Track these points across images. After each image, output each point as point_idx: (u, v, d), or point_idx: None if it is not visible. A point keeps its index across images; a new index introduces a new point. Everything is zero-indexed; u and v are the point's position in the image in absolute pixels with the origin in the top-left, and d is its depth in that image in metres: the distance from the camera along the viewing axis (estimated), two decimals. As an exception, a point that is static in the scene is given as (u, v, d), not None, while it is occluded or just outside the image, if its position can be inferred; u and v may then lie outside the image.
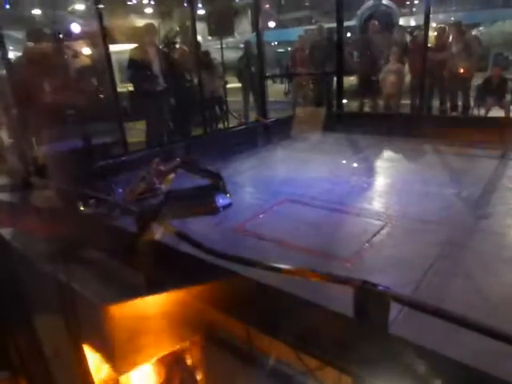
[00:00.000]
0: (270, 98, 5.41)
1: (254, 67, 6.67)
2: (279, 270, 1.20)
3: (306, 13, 23.54)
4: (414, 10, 19.98)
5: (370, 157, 3.73)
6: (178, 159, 2.64)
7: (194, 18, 4.25)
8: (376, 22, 6.28)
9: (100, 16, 3.56)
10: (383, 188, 2.81)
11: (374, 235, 2.02)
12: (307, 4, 24.71)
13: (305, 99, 7.21)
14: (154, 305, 0.97)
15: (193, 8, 4.33)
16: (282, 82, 15.59)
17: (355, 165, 3.47)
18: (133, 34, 7.12)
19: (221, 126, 6.70)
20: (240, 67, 7.76)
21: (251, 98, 7.54)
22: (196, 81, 5.64)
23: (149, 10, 19.75)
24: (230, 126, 6.44)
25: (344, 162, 3.58)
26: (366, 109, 6.89)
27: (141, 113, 5.11)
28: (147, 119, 4.74)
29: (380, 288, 1.10)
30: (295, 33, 10.21)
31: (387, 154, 3.80)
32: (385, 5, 10.03)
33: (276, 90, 13.04)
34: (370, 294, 1.11)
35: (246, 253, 1.52)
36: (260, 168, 3.64)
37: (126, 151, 3.73)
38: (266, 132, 4.76)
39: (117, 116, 4.13)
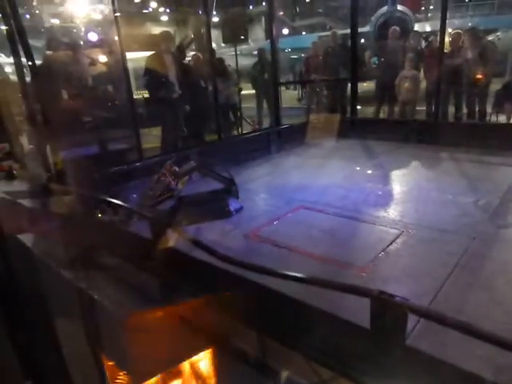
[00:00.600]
0: (284, 105, 5.42)
1: (267, 74, 6.70)
2: (295, 279, 1.19)
3: (320, 19, 23.58)
4: (429, 15, 19.85)
5: (384, 163, 3.69)
6: (192, 162, 2.65)
7: (209, 25, 4.30)
8: (397, 28, 6.23)
9: (118, 24, 3.63)
10: (399, 196, 2.77)
11: (390, 244, 1.99)
12: (320, 11, 24.78)
13: (319, 105, 7.20)
14: (170, 314, 0.97)
15: (208, 16, 4.38)
16: (295, 89, 15.63)
17: (370, 171, 3.44)
18: (148, 42, 7.24)
19: (235, 132, 6.74)
20: (254, 74, 7.80)
21: (265, 105, 7.57)
22: (211, 87, 5.71)
23: (164, 18, 20.10)
24: (244, 132, 6.47)
25: (359, 168, 3.56)
26: (381, 115, 6.85)
27: (156, 119, 5.18)
28: (163, 125, 4.80)
29: (397, 299, 1.09)
30: (309, 39, 10.22)
31: (402, 160, 3.75)
32: (400, 11, 9.94)
33: (289, 96, 13.07)
34: (386, 305, 1.09)
35: (260, 260, 1.52)
36: (274, 174, 3.64)
37: (141, 157, 3.78)
38: (280, 138, 4.77)
39: (132, 122, 4.19)
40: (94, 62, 6.15)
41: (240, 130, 6.74)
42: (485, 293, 1.52)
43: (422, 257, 1.87)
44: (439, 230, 2.13)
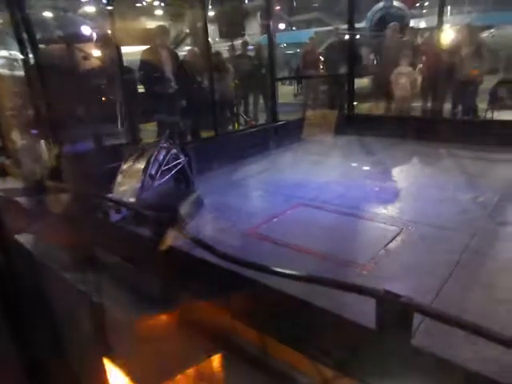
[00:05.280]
0: (280, 100, 5.39)
1: (264, 69, 6.65)
2: (299, 278, 1.17)
3: (315, 15, 23.46)
4: (423, 11, 19.83)
5: (382, 160, 3.68)
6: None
7: (205, 19, 4.25)
8: (397, 24, 6.21)
9: (112, 17, 3.57)
10: (397, 193, 2.77)
11: (390, 241, 1.99)
12: (316, 5, 24.64)
13: (315, 101, 7.17)
14: (175, 318, 0.95)
15: (205, 10, 4.32)
16: (290, 84, 15.56)
17: (368, 168, 3.43)
18: (143, 36, 7.15)
19: (231, 128, 6.69)
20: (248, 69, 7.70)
21: (261, 100, 7.49)
22: (206, 82, 5.64)
23: (158, 12, 19.86)
24: (241, 128, 6.43)
25: (356, 165, 3.55)
26: (377, 111, 6.82)
27: (151, 114, 5.11)
28: (158, 121, 4.75)
29: (403, 299, 1.07)
30: (305, 35, 10.15)
31: (400, 157, 3.75)
32: (396, 7, 9.89)
33: (285, 91, 13.00)
34: (392, 305, 1.08)
35: (260, 258, 1.50)
36: (271, 171, 3.62)
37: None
38: (277, 135, 4.74)
39: (128, 118, 4.14)
40: (87, 57, 6.05)
41: (236, 125, 6.68)
42: (486, 291, 1.52)
43: (422, 254, 1.86)
44: (439, 227, 2.12)
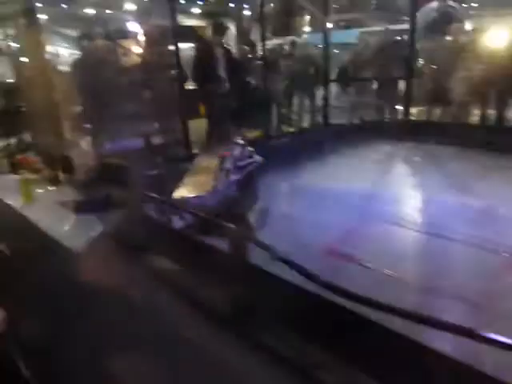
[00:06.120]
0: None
1: (312, 69, 6.38)
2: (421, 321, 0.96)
3: (354, 15, 22.87)
4: (470, 12, 18.92)
5: (454, 171, 3.36)
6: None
7: (262, 17, 4.07)
8: (461, 26, 5.88)
9: (173, 13, 3.43)
10: (487, 210, 2.45)
11: (500, 272, 1.72)
12: (348, 5, 23.98)
13: (367, 105, 6.84)
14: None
15: (262, 7, 4.14)
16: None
17: (442, 180, 3.11)
18: (187, 34, 7.04)
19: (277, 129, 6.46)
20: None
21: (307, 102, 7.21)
22: (254, 82, 5.45)
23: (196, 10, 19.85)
24: (290, 130, 6.19)
25: (426, 175, 3.25)
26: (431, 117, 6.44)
27: (194, 112, 4.96)
28: (209, 120, 4.60)
29: None
30: (349, 35, 9.79)
31: (475, 169, 3.38)
32: (452, 6, 9.36)
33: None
34: None
35: (352, 283, 1.28)
36: (333, 179, 3.33)
37: (191, 153, 3.58)
38: (330, 139, 4.49)
39: (179, 115, 4.01)
40: (129, 53, 5.95)
41: (287, 128, 6.43)
42: None
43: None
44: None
